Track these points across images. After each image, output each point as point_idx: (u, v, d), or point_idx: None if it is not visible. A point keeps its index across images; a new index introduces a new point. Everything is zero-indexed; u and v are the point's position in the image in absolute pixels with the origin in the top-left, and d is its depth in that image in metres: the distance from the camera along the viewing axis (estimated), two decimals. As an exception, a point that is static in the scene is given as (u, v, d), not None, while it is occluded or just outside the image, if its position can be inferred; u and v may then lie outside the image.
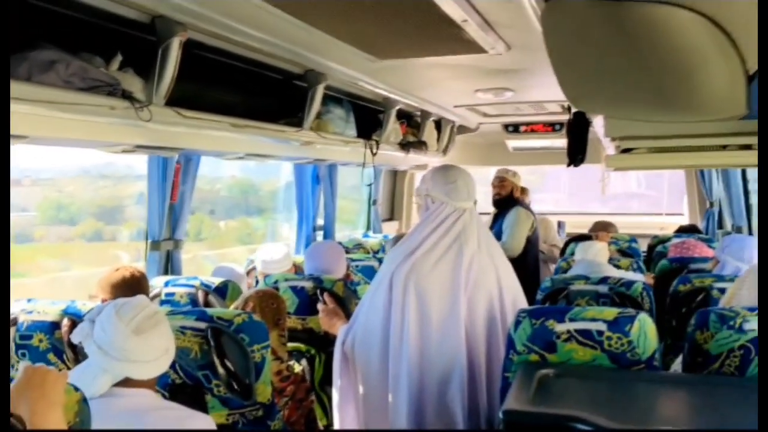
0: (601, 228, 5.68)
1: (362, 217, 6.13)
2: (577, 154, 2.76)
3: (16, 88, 1.59)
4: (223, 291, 2.98)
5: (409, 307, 2.32)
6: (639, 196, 8.75)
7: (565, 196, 8.91)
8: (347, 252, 4.38)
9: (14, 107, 1.63)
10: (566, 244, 4.98)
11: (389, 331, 2.34)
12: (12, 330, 2.30)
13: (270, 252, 3.59)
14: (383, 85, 3.56)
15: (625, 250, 4.53)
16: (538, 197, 9.04)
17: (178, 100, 2.38)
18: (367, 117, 4.00)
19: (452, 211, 2.43)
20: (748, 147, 1.90)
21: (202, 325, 2.12)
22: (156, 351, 1.75)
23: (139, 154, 2.79)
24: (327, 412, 2.76)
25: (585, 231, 5.74)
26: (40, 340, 2.35)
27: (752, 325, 2.01)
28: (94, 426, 1.48)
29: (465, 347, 2.33)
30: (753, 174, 4.34)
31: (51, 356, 2.33)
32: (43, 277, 7.12)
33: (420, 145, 4.67)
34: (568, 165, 2.89)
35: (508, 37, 2.54)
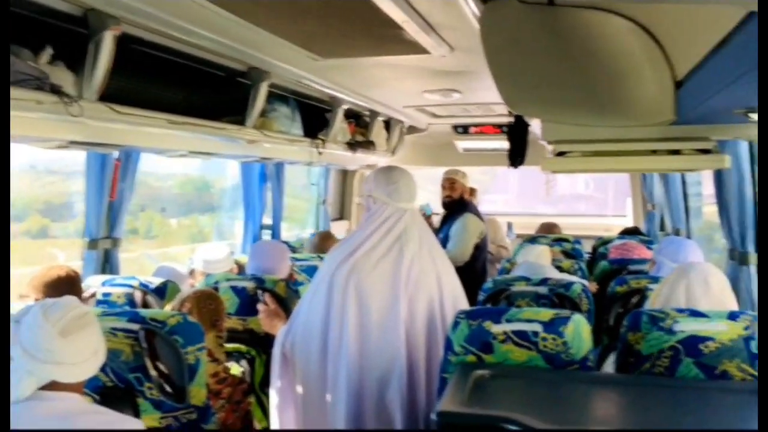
0: (547, 230, 5.78)
1: (311, 216, 6.10)
2: (517, 155, 2.80)
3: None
4: (162, 291, 2.92)
5: (349, 307, 2.32)
6: (586, 198, 8.91)
7: (513, 197, 9.02)
8: (294, 251, 4.36)
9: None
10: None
11: (328, 332, 2.34)
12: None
13: (211, 252, 3.54)
14: (329, 84, 3.54)
15: (569, 252, 4.60)
16: (488, 198, 9.16)
17: (114, 95, 2.33)
18: (314, 116, 3.98)
19: (393, 211, 2.45)
20: (676, 152, 1.95)
21: (135, 326, 2.08)
22: (84, 353, 1.70)
23: (74, 150, 2.70)
24: (267, 414, 2.73)
25: (533, 232, 5.84)
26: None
27: (681, 326, 2.06)
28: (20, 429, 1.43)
29: (405, 348, 2.34)
30: (691, 178, 4.46)
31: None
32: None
33: (368, 144, 4.66)
34: (509, 166, 2.92)
35: (451, 39, 2.55)
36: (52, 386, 1.66)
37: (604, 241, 5.09)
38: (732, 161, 2.63)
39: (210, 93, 3.09)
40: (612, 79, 1.70)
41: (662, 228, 5.37)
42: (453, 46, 2.66)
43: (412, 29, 2.27)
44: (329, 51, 2.80)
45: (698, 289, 2.21)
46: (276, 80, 3.15)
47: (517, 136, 2.75)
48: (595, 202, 8.83)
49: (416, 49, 2.63)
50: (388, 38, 2.46)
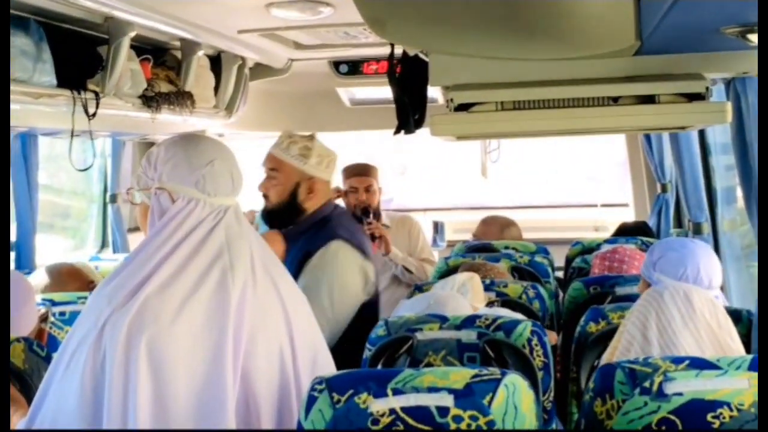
0: (497, 231, 5.86)
1: (93, 223, 6.02)
2: (411, 113, 2.80)
3: None
4: None
5: (138, 384, 2.28)
6: (563, 179, 9.12)
7: (448, 182, 9.12)
8: (62, 287, 4.25)
9: None
10: None
11: (100, 424, 2.29)
12: None
13: None
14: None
15: (524, 268, 4.69)
16: (401, 186, 9.21)
17: None
18: (77, 50, 3.90)
19: (208, 213, 2.44)
20: (649, 99, 2.00)
21: None
22: None
23: None
24: None
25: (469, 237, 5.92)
26: None
27: (678, 385, 2.13)
28: None
29: None
30: (717, 138, 4.61)
31: None
32: None
33: (181, 97, 4.62)
34: (396, 132, 2.93)
35: None
36: None
37: (585, 249, 5.22)
38: (754, 111, 2.72)
39: None
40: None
41: (678, 223, 5.55)
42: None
43: None
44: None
45: (676, 315, 2.31)
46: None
47: (406, 79, 2.77)
48: (577, 184, 9.04)
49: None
50: None
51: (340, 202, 5.34)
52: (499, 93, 2.06)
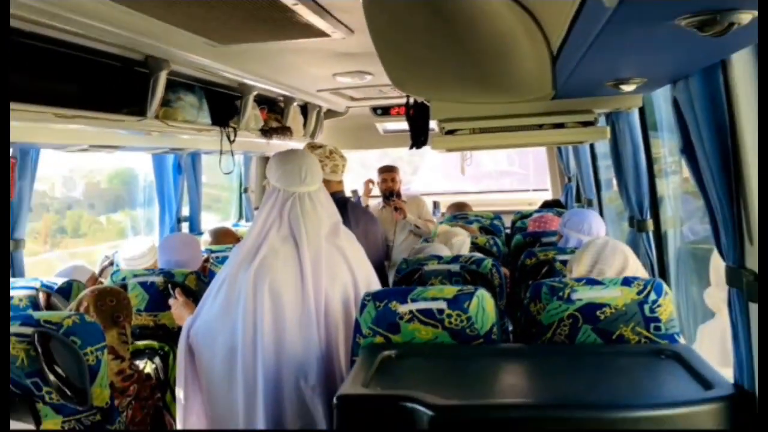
0: (457, 209, 5.87)
1: (234, 205, 6.02)
2: (419, 136, 2.82)
3: None
4: (66, 291, 2.83)
5: (261, 306, 2.26)
6: (510, 174, 9.07)
7: (440, 176, 9.09)
8: (219, 242, 4.28)
9: None
10: None
11: (235, 332, 2.27)
12: None
13: (132, 248, 3.45)
14: (235, 71, 3.47)
15: (487, 228, 4.67)
16: (414, 178, 9.23)
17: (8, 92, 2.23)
18: (224, 103, 3.90)
19: (286, 197, 2.38)
20: (561, 125, 1.99)
21: (28, 330, 2.00)
22: None
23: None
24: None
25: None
26: None
27: (579, 294, 2.12)
28: None
29: (319, 337, 2.31)
30: (600, 149, 4.57)
31: None
32: None
33: (283, 130, 4.61)
34: (411, 148, 2.94)
35: (348, 21, 2.53)
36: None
37: (523, 215, 5.20)
38: (626, 131, 2.73)
39: (107, 84, 2.98)
40: (494, 56, 1.72)
41: (578, 199, 5.51)
42: (352, 28, 2.64)
43: (304, 12, 2.24)
44: (226, 37, 2.74)
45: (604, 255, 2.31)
46: (176, 68, 3.07)
47: (417, 116, 2.77)
48: (519, 177, 8.98)
49: (314, 32, 2.60)
50: (282, 22, 2.42)
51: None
52: (471, 123, 2.05)
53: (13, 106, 2.30)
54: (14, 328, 2.01)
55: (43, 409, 2.03)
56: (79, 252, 6.73)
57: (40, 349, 1.98)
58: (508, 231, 5.22)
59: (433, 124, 2.49)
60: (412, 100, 2.90)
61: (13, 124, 2.45)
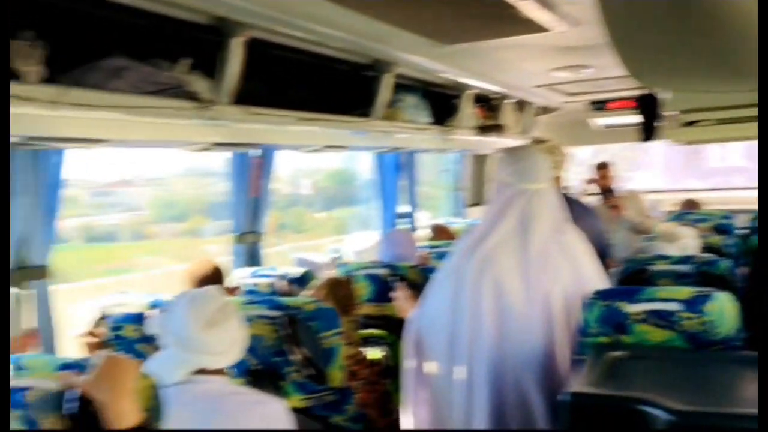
0: (687, 207, 5.48)
1: (447, 203, 6.12)
2: (649, 129, 2.67)
3: (87, 95, 1.71)
4: (301, 280, 3.07)
5: (484, 298, 2.27)
6: (742, 170, 8.28)
7: (659, 173, 8.55)
8: (435, 238, 4.39)
9: (88, 113, 1.75)
10: None
11: (458, 323, 2.30)
12: (104, 323, 2.47)
13: (360, 242, 3.67)
14: (454, 70, 3.55)
15: (717, 227, 4.31)
16: (633, 175, 8.73)
17: (248, 97, 2.47)
18: (441, 103, 3.99)
19: (517, 193, 2.35)
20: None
21: (276, 313, 2.20)
22: (227, 343, 1.82)
23: (218, 152, 2.90)
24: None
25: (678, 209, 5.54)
26: (133, 330, 2.49)
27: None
28: (173, 411, 1.56)
29: (543, 333, 2.28)
30: None
31: (140, 346, 2.47)
32: (148, 272, 7.57)
33: (498, 128, 4.61)
34: (644, 140, 2.79)
35: (570, 13, 2.48)
36: (202, 371, 1.80)
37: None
38: None
39: (337, 88, 3.19)
40: (745, 39, 1.59)
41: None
42: (573, 21, 2.58)
43: (527, 7, 2.23)
44: (451, 37, 2.81)
45: None
46: (401, 70, 3.20)
47: (648, 108, 2.62)
48: (754, 174, 8.16)
49: (535, 27, 2.58)
50: (505, 18, 2.43)
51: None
52: (715, 113, 1.91)
53: (259, 110, 2.53)
54: (262, 310, 2.22)
55: (287, 386, 2.22)
56: (302, 246, 7.21)
57: (286, 331, 2.17)
58: (744, 231, 4.77)
59: (664, 116, 2.34)
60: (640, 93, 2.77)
61: (256, 126, 2.69)
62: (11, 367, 1.48)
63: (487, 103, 4.77)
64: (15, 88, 1.59)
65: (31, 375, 1.47)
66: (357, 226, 6.88)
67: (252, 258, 3.57)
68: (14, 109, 1.68)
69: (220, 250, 4.26)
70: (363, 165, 6.38)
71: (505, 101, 4.79)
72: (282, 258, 4.49)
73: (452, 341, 2.32)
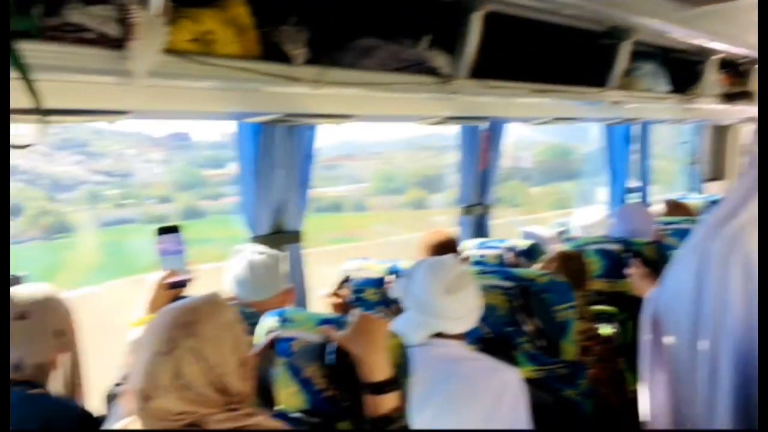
0: None
1: (681, 177, 5.73)
2: None
3: (342, 74, 1.85)
4: (529, 253, 3.06)
5: (733, 279, 2.12)
6: None
7: None
8: (670, 214, 4.15)
9: (342, 91, 1.89)
10: None
11: (702, 303, 2.17)
12: (347, 285, 2.66)
13: (588, 216, 3.58)
14: (699, 34, 3.30)
15: None
16: None
17: (483, 71, 2.51)
18: (682, 70, 3.73)
19: None
20: None
21: (509, 284, 2.23)
22: (464, 309, 1.88)
23: (449, 125, 2.98)
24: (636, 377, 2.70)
25: None
26: (373, 293, 2.67)
27: None
28: (415, 368, 1.65)
29: None
30: None
31: (380, 308, 2.64)
32: (375, 240, 8.00)
33: (746, 95, 4.21)
34: None
35: None
36: (439, 335, 1.89)
37: None
38: None
39: (571, 59, 3.11)
40: None
41: None
42: None
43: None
44: (697, -2, 2.61)
45: None
46: (639, 36, 3.04)
47: None
48: None
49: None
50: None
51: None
52: None
53: (495, 83, 2.56)
54: (495, 280, 2.26)
55: (518, 356, 2.25)
56: (521, 220, 7.16)
57: (519, 302, 2.19)
58: None
59: None
60: None
61: (489, 100, 2.72)
62: (276, 319, 1.67)
63: (735, 69, 4.36)
64: (283, 69, 1.76)
65: (296, 327, 1.64)
66: (578, 201, 6.70)
67: (479, 229, 3.63)
68: (281, 89, 1.87)
69: (445, 221, 4.38)
70: (582, 139, 6.17)
71: (753, 66, 4.35)
72: (504, 230, 4.51)
73: (695, 323, 2.20)
